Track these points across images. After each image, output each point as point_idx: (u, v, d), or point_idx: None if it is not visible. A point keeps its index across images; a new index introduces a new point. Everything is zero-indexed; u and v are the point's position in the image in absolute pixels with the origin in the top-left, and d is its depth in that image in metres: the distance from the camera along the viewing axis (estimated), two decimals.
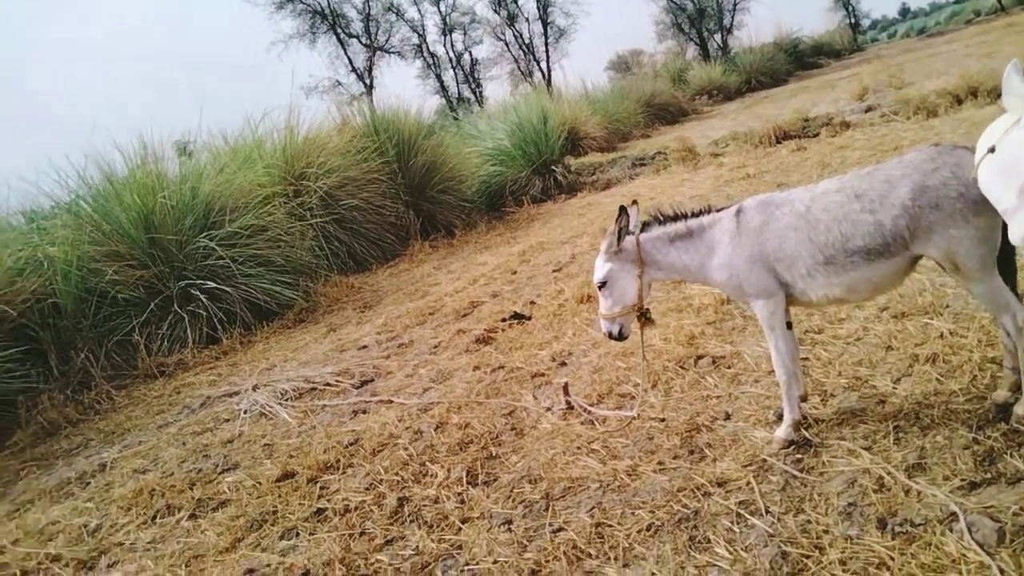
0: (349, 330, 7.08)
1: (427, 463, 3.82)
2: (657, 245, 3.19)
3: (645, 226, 3.25)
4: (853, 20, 51.94)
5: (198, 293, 7.40)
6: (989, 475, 2.54)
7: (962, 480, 2.54)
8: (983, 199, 2.50)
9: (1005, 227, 2.61)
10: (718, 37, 44.36)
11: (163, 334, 7.23)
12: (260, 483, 4.05)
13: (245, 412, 5.25)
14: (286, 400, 5.32)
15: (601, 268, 3.24)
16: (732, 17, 43.92)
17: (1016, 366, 2.72)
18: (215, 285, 7.47)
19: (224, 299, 7.53)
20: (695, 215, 3.17)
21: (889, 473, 2.69)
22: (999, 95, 2.44)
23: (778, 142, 11.61)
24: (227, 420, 5.28)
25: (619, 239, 3.19)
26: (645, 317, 3.31)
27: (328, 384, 5.46)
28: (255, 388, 5.66)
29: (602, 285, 3.25)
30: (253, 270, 7.83)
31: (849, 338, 3.94)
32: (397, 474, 3.77)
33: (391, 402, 4.84)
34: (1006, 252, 2.69)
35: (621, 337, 3.30)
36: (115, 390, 6.61)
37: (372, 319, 7.28)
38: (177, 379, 6.65)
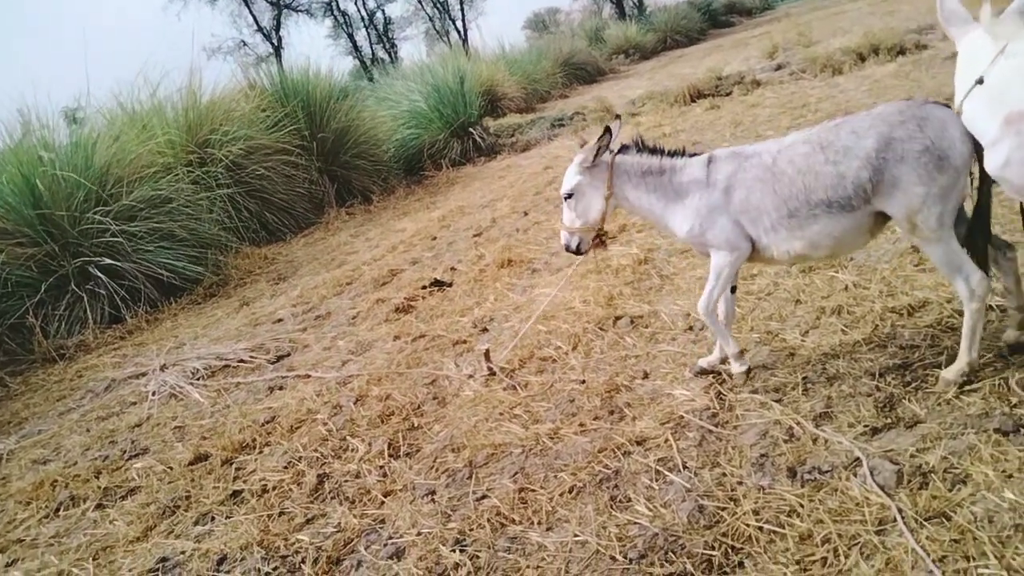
0: (263, 303, 6.82)
1: (347, 438, 3.73)
2: (629, 172, 3.15)
3: (624, 148, 3.20)
4: None
5: (96, 271, 6.96)
6: (889, 420, 2.66)
7: (865, 426, 2.66)
8: (947, 155, 2.49)
9: (982, 186, 2.55)
10: None
11: (61, 315, 6.77)
12: (171, 467, 3.88)
13: (153, 394, 5.00)
14: (197, 379, 5.09)
15: (571, 179, 3.19)
16: None
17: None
18: (112, 262, 7.03)
19: (126, 276, 7.10)
20: (671, 154, 3.14)
21: (798, 423, 2.79)
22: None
23: (693, 101, 11.80)
24: (134, 403, 5.02)
25: (596, 155, 3.14)
26: (601, 240, 3.30)
27: (242, 361, 5.25)
28: (164, 368, 5.39)
29: (568, 196, 3.20)
30: (154, 245, 7.39)
31: (760, 293, 4.04)
32: (316, 451, 3.67)
33: (308, 376, 4.70)
34: (982, 209, 2.63)
35: (579, 252, 3.28)
36: (9, 377, 6.18)
37: (287, 291, 7.03)
38: (79, 362, 6.27)
